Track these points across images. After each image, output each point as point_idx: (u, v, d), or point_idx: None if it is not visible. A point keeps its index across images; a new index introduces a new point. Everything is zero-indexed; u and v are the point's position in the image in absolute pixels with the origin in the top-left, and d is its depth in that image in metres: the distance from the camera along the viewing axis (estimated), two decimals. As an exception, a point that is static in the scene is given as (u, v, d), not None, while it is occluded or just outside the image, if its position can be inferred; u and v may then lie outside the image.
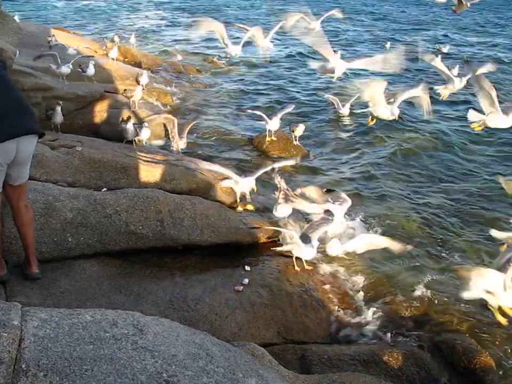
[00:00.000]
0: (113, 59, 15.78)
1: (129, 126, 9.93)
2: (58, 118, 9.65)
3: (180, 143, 10.40)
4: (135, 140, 10.20)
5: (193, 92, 16.71)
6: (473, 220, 9.76)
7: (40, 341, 3.12)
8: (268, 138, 12.42)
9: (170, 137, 10.55)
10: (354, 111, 14.87)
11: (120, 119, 10.67)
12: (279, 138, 12.46)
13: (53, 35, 15.41)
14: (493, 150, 13.37)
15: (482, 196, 10.69)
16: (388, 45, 23.59)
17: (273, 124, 12.13)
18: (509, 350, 6.52)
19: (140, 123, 10.35)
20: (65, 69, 11.96)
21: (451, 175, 11.76)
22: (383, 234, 8.36)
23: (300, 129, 12.34)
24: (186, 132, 10.53)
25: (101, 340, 3.30)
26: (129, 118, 10.36)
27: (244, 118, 14.74)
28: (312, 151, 12.75)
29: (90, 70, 12.90)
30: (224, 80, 18.60)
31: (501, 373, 6.03)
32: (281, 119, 12.18)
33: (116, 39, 19.29)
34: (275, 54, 22.84)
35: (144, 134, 10.18)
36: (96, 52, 17.68)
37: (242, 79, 19.29)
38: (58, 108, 9.61)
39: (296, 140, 12.52)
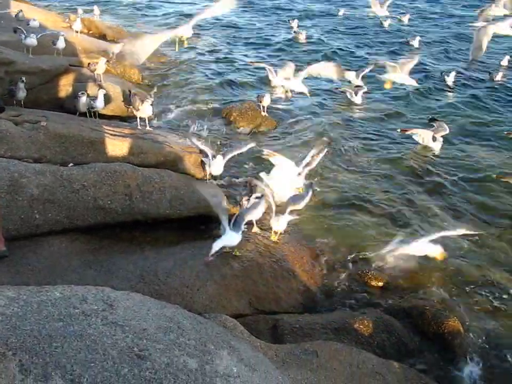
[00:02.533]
0: (77, 32, 15.43)
1: (81, 99, 9.81)
2: (21, 93, 9.46)
3: (145, 109, 9.96)
4: (91, 112, 10.10)
5: (159, 64, 16.47)
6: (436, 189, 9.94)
7: (8, 319, 3.08)
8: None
9: (133, 106, 10.15)
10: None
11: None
12: (247, 109, 12.40)
13: (21, 10, 15.00)
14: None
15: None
16: None
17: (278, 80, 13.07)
18: (477, 314, 6.68)
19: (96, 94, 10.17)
20: (31, 41, 11.73)
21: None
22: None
23: (266, 99, 12.29)
24: (152, 99, 10.24)
25: (71, 317, 3.27)
26: (86, 90, 10.22)
27: (213, 89, 14.62)
28: (280, 121, 12.71)
29: (60, 43, 12.66)
30: (191, 51, 18.31)
31: (468, 336, 6.19)
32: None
33: (79, 11, 18.82)
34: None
35: (99, 104, 10.03)
36: (59, 24, 17.30)
37: (211, 50, 19.01)
38: (21, 84, 9.41)
39: (264, 110, 12.48)
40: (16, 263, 5.93)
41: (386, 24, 23.33)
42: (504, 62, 18.18)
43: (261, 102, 12.35)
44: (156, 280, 6.05)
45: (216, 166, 8.30)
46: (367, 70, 15.04)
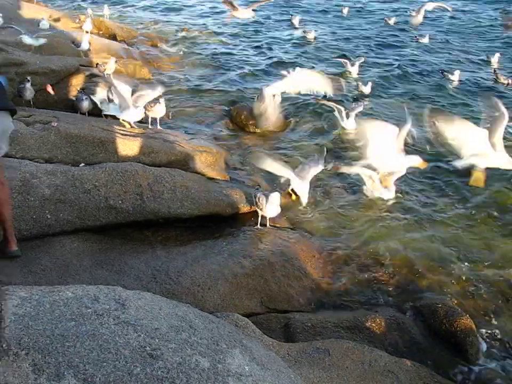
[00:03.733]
0: (87, 32, 15.48)
1: (82, 99, 9.90)
2: (29, 93, 9.54)
3: (157, 109, 9.81)
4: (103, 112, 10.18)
5: (169, 63, 16.49)
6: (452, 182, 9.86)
7: (21, 319, 3.09)
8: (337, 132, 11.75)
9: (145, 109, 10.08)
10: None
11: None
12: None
13: (43, 18, 15.00)
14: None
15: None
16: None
17: (350, 123, 11.56)
18: (490, 312, 6.63)
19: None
20: (29, 40, 12.01)
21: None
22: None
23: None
24: (163, 99, 10.19)
25: (83, 316, 3.27)
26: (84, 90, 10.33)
27: (221, 89, 14.60)
28: (291, 119, 12.62)
29: (84, 44, 12.79)
30: (200, 51, 18.33)
31: (481, 334, 6.16)
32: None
33: (90, 11, 18.90)
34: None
35: (113, 109, 10.02)
36: (69, 25, 17.38)
37: (219, 49, 18.99)
38: (28, 84, 9.49)
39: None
40: (28, 263, 5.95)
41: (391, 22, 23.01)
42: (495, 60, 17.80)
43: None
44: (167, 279, 6.06)
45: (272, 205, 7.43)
46: (362, 60, 15.99)
